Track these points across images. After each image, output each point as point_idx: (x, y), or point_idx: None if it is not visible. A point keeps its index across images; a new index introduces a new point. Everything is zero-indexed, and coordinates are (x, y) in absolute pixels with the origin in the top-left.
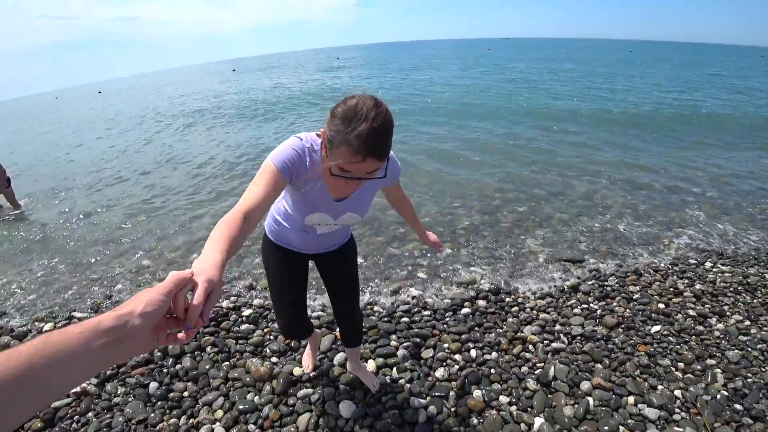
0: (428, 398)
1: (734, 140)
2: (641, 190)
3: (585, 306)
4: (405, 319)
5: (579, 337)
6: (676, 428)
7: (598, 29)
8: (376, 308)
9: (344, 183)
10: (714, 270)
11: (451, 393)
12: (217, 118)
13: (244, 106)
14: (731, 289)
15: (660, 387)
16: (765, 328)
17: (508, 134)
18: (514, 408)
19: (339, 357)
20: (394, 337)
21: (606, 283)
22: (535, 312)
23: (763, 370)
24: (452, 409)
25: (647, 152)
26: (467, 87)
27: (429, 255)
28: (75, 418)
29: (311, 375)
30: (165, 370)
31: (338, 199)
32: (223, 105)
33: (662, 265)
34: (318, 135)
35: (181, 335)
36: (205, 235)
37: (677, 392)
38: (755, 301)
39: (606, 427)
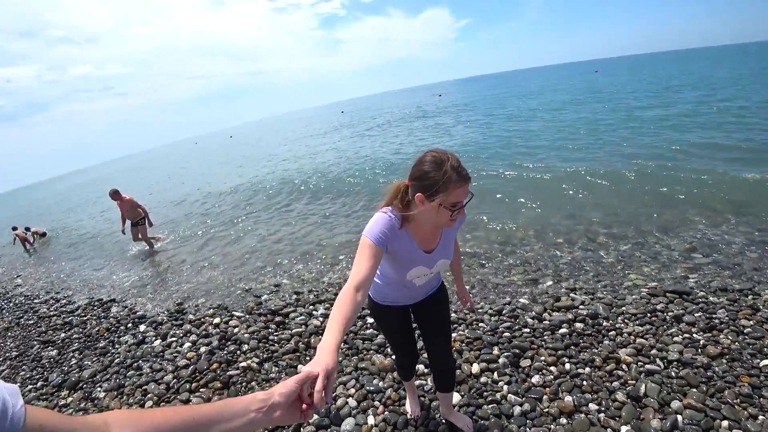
0: (523, 398)
1: None
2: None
3: (687, 336)
4: (507, 333)
5: (675, 362)
6: None
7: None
8: (481, 324)
9: (431, 234)
10: None
11: (545, 396)
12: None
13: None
14: None
15: (761, 417)
16: None
17: (612, 168)
18: (602, 415)
19: None
20: (496, 348)
21: (714, 316)
22: (632, 337)
23: None
24: (545, 409)
25: None
26: (573, 124)
27: (531, 284)
28: (243, 384)
29: (417, 418)
30: (307, 357)
31: (429, 250)
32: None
33: None
34: (385, 207)
35: (308, 411)
36: (332, 262)
37: None
38: None
39: None
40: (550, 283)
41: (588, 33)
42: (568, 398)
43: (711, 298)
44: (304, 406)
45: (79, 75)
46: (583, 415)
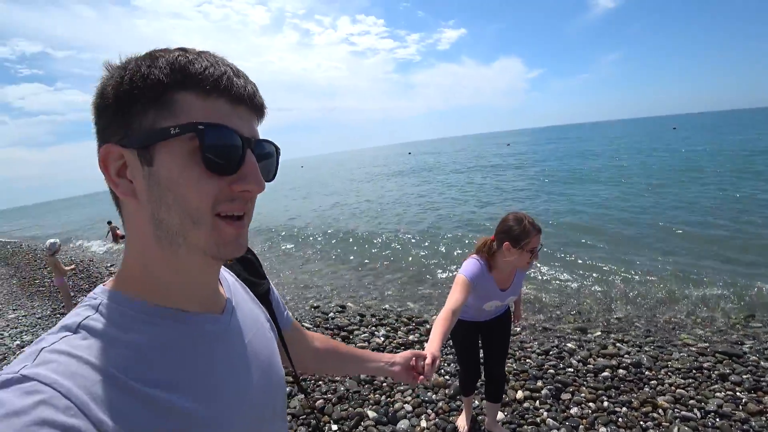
0: (561, 424)
1: None
2: None
3: (730, 392)
4: (551, 370)
5: (713, 413)
6: None
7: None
8: (528, 360)
9: (508, 276)
10: None
11: (581, 425)
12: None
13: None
14: None
15: None
16: None
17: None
18: None
19: None
20: (539, 381)
21: (763, 379)
22: (672, 387)
23: None
24: None
25: None
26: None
27: (579, 332)
28: (311, 382)
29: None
30: None
31: (503, 289)
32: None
33: None
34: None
35: (420, 378)
36: (396, 295)
37: None
38: None
39: None
40: (599, 333)
41: (659, 89)
42: (603, 429)
43: (763, 364)
44: (415, 374)
45: None
46: None
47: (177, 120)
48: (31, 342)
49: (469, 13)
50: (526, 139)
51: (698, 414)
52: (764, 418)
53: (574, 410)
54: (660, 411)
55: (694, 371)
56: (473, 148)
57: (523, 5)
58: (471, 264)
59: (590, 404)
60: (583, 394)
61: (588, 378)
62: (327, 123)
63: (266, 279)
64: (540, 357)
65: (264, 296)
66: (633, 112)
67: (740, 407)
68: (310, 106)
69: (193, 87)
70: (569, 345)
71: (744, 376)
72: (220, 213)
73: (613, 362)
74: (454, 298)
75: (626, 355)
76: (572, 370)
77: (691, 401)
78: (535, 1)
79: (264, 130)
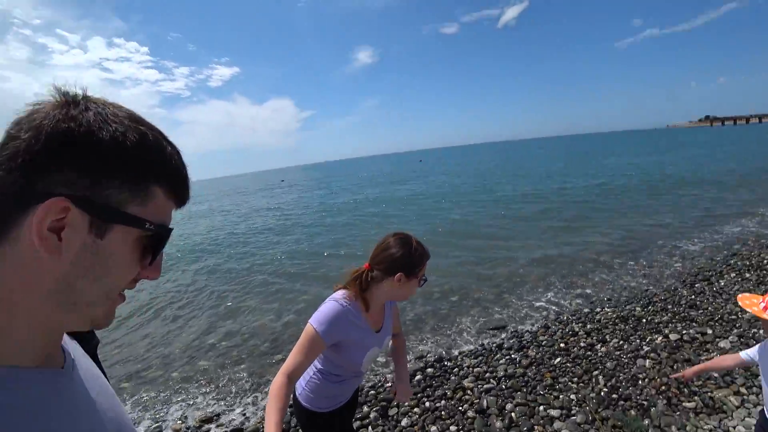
0: None
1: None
2: (551, 264)
3: (508, 357)
4: (372, 392)
5: (503, 378)
6: (573, 418)
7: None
8: None
9: (379, 312)
10: (601, 313)
11: None
12: None
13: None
14: (612, 322)
15: (561, 396)
16: (633, 344)
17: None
18: None
19: None
20: (365, 407)
21: (523, 338)
22: (470, 369)
23: (630, 370)
24: None
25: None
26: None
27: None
28: None
29: None
30: None
31: (378, 330)
32: None
33: (564, 317)
34: (346, 291)
35: None
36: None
37: (572, 396)
38: (627, 327)
39: (525, 428)
40: None
41: (413, 128)
42: (433, 428)
43: (520, 327)
44: None
45: None
46: None
47: (146, 211)
48: None
49: (243, 53)
50: (299, 175)
51: (494, 383)
52: (533, 367)
53: (404, 422)
54: (469, 392)
55: (479, 349)
56: (246, 186)
57: (294, 52)
58: (329, 311)
59: (415, 410)
60: (406, 403)
61: None
62: None
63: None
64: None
65: (94, 351)
66: (393, 148)
67: (517, 365)
68: None
69: (166, 184)
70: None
71: (511, 341)
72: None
73: (421, 364)
74: (295, 360)
75: (429, 354)
76: (390, 384)
77: (486, 374)
78: (305, 50)
79: None
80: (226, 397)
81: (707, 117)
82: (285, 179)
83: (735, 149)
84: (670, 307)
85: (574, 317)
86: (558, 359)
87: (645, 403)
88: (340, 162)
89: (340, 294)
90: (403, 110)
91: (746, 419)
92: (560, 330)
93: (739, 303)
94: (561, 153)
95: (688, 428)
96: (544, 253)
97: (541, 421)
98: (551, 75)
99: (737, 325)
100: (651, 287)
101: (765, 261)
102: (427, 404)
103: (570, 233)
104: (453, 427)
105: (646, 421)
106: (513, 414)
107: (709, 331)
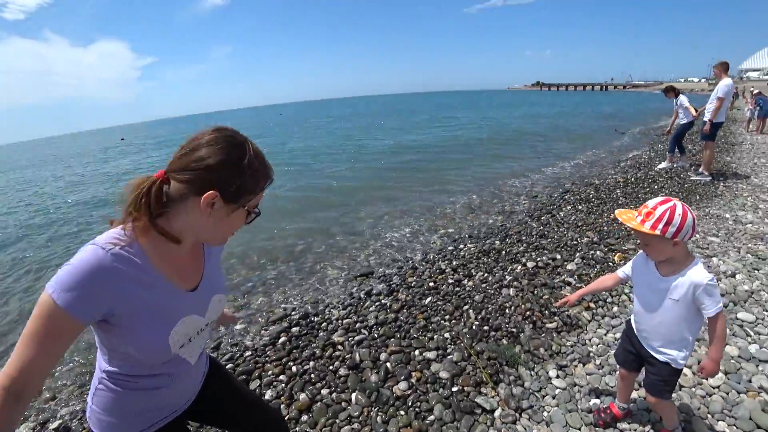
0: None
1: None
2: (414, 209)
3: (378, 303)
4: (229, 365)
5: (375, 326)
6: (449, 356)
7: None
8: None
9: (190, 260)
10: (464, 249)
11: (282, 405)
12: None
13: None
14: (475, 257)
15: (435, 336)
16: (497, 275)
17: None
18: (334, 394)
19: None
20: None
21: (392, 282)
22: (340, 321)
23: (497, 300)
24: (285, 416)
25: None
26: None
27: (242, 309)
28: None
29: None
30: None
31: (194, 287)
32: None
33: (430, 256)
34: (122, 229)
35: None
36: None
37: (446, 334)
38: (490, 260)
39: (402, 376)
40: (261, 300)
41: (272, 81)
42: (303, 395)
43: (387, 271)
44: None
45: None
46: (319, 404)
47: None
48: None
49: None
50: (143, 133)
51: (366, 332)
52: (405, 310)
53: (269, 393)
54: (339, 347)
55: (348, 299)
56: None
57: None
58: (84, 265)
59: (281, 377)
60: (270, 371)
61: (269, 352)
62: None
63: None
64: (213, 354)
65: None
66: (252, 101)
67: (388, 311)
68: None
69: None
70: (237, 327)
71: (380, 286)
72: None
73: (285, 324)
74: (25, 357)
75: (293, 312)
76: (250, 353)
77: (357, 324)
78: None
79: None
80: None
81: (538, 82)
82: (126, 138)
83: (560, 110)
84: (524, 238)
85: (439, 255)
86: (429, 299)
87: (514, 330)
88: (193, 116)
89: (108, 234)
90: (259, 61)
91: (597, 330)
92: (428, 269)
93: (618, 218)
94: (419, 107)
95: (554, 347)
96: (406, 200)
97: (419, 366)
98: (408, 37)
99: (578, 249)
100: (506, 222)
101: (591, 195)
102: (294, 368)
103: (429, 183)
104: (325, 390)
105: (518, 348)
106: (388, 364)
107: (558, 257)
